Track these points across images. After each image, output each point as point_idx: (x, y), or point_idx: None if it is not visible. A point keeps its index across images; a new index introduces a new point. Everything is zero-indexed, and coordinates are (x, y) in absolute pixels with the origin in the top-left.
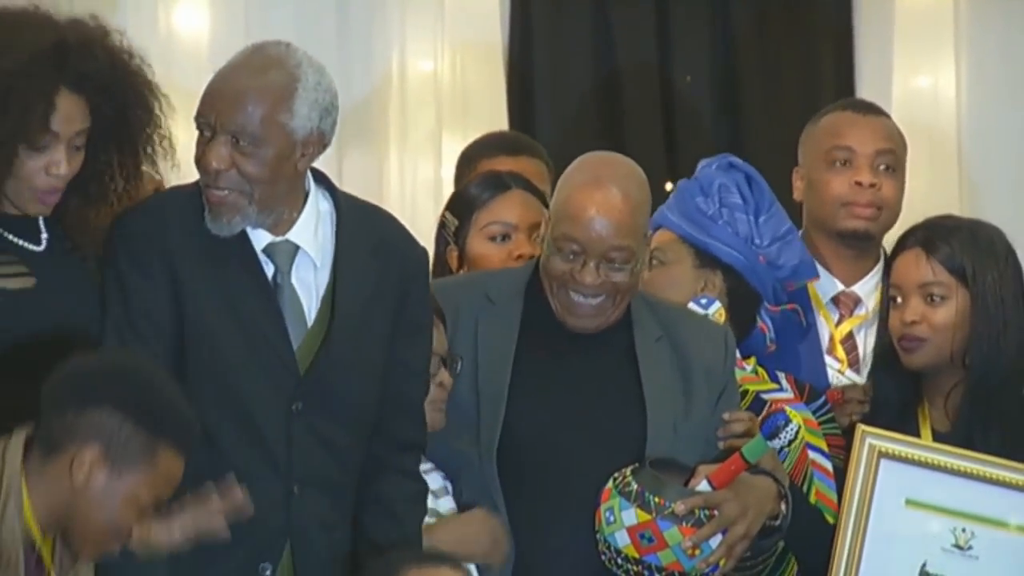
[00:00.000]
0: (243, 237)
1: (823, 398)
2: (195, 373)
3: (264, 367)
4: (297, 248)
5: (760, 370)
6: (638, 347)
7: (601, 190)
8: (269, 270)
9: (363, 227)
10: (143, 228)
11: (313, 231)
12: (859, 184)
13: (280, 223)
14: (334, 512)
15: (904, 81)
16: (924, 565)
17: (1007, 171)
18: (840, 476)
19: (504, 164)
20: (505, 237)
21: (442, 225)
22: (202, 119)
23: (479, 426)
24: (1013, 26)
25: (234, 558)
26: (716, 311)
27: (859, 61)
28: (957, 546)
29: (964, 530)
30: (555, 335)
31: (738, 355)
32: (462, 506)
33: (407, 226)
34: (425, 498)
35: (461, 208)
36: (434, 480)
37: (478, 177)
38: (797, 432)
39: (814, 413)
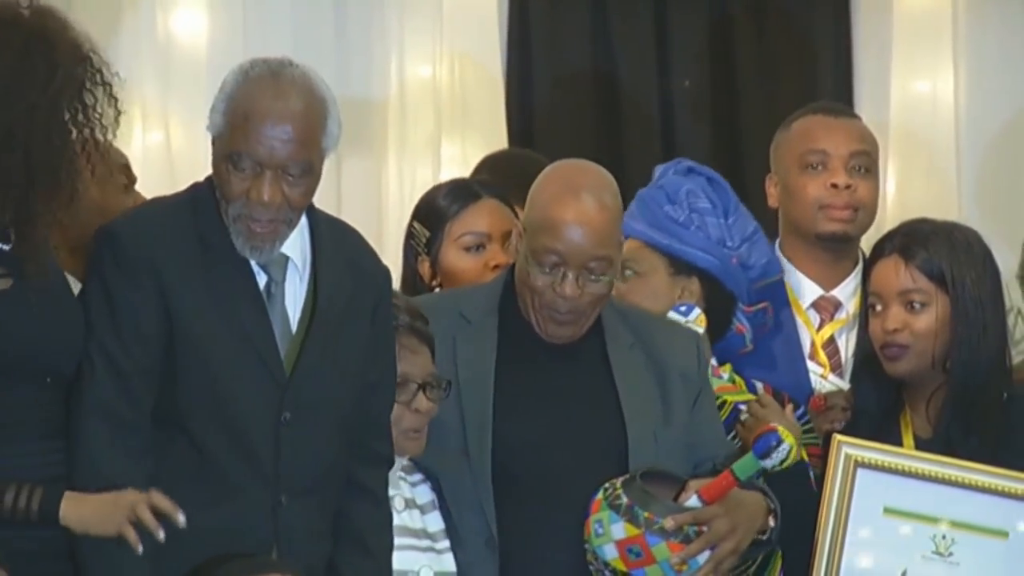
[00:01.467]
0: (234, 249)
1: (802, 408)
2: (184, 383)
3: (254, 377)
4: (287, 259)
5: (737, 379)
6: (611, 355)
7: (578, 200)
8: (261, 280)
9: (335, 240)
10: (130, 239)
11: (299, 242)
12: (835, 186)
13: None
14: (319, 520)
15: (903, 86)
16: (905, 573)
17: (1005, 175)
18: (820, 485)
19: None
20: (479, 247)
21: (411, 235)
22: (246, 158)
23: (467, 446)
24: (1011, 30)
25: None
26: (697, 317)
27: (857, 66)
28: (938, 553)
29: (944, 537)
30: (531, 348)
31: (714, 362)
32: (449, 524)
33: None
34: (391, 524)
35: (431, 218)
36: (423, 494)
37: (447, 186)
38: (789, 452)
39: None
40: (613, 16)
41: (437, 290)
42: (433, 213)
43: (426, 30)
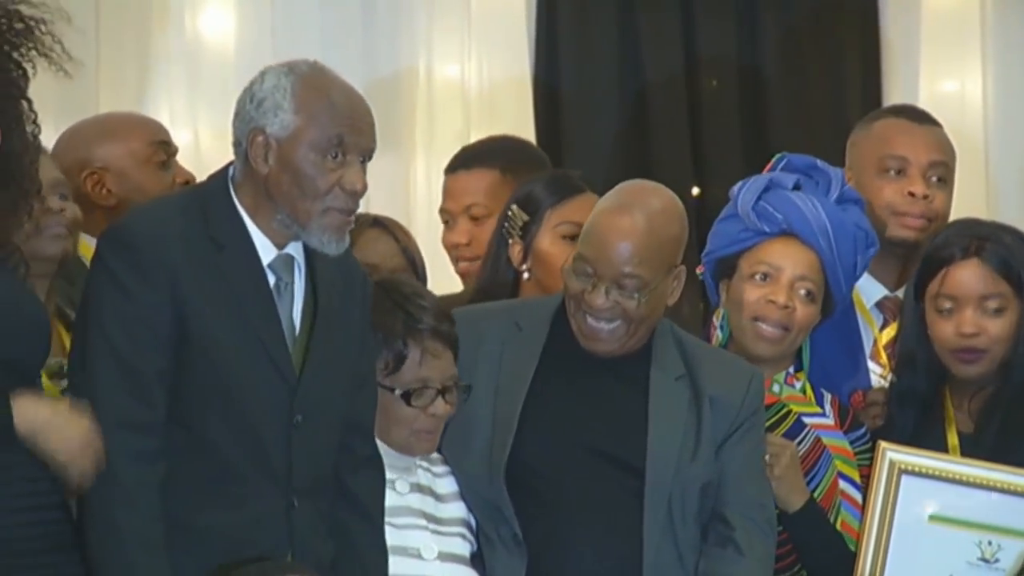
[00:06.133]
0: (250, 248)
1: (864, 428)
2: (197, 386)
3: (266, 380)
4: (293, 258)
5: (808, 390)
6: (652, 384)
7: (626, 216)
8: (271, 281)
9: None
10: (146, 242)
11: (298, 241)
12: (912, 195)
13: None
14: (322, 520)
15: (931, 86)
16: None
17: None
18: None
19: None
20: (575, 238)
21: (507, 218)
22: (346, 143)
23: (491, 447)
24: None
25: None
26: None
27: (886, 65)
28: (984, 559)
29: (990, 543)
30: (575, 362)
31: (791, 370)
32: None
33: (435, 230)
34: (383, 540)
35: (531, 204)
36: (446, 484)
37: (550, 176)
38: None
39: (852, 443)
40: (640, 15)
41: (526, 275)
42: (534, 199)
43: (454, 29)
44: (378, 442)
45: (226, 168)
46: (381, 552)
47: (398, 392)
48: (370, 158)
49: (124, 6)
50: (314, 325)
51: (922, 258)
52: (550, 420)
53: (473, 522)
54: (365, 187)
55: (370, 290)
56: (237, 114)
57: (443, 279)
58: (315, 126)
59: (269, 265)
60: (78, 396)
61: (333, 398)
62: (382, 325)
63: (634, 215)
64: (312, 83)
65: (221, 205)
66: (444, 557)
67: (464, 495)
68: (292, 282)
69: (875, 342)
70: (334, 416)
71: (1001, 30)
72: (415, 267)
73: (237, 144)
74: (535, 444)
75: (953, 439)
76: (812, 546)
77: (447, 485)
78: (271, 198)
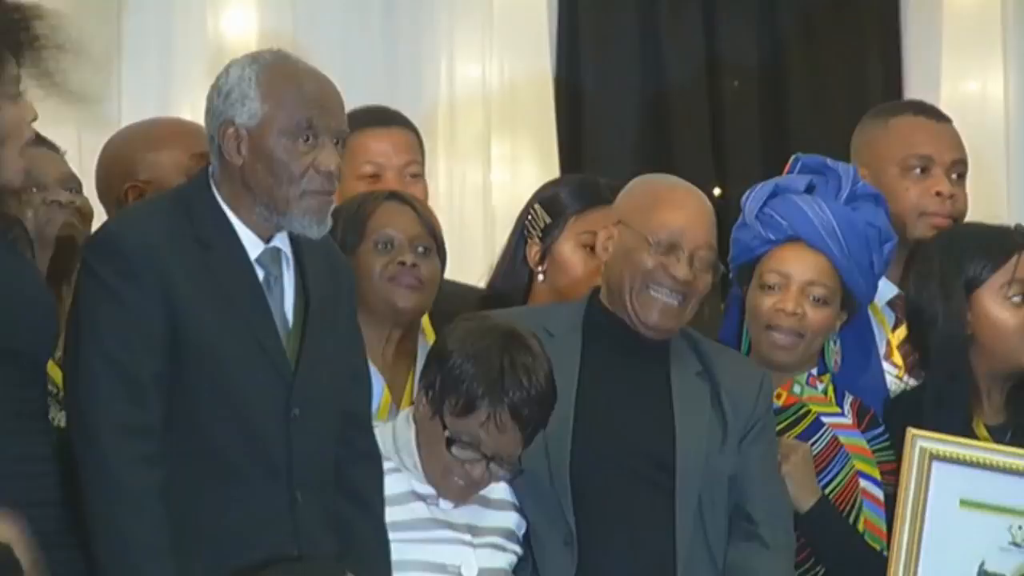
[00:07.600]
0: (236, 244)
1: (882, 427)
2: (195, 386)
3: (262, 376)
4: (280, 251)
5: (831, 391)
6: (674, 381)
7: (692, 195)
8: (260, 275)
9: None
10: (134, 248)
11: (283, 233)
12: (939, 194)
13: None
14: (325, 514)
15: (952, 84)
16: (983, 564)
17: None
18: (891, 503)
19: (377, 136)
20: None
21: (527, 217)
22: (316, 125)
23: (547, 448)
24: None
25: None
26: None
27: (907, 65)
28: (1015, 544)
29: (1021, 527)
30: (607, 365)
31: (814, 372)
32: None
33: (456, 231)
34: (385, 534)
35: (555, 207)
36: (502, 490)
37: (579, 182)
38: None
39: (870, 441)
40: (662, 16)
41: (540, 277)
42: (558, 202)
43: (476, 29)
44: (416, 461)
45: (205, 167)
46: (383, 544)
47: (446, 433)
48: (343, 140)
49: (146, 5)
50: (306, 318)
51: (979, 251)
52: (593, 423)
53: (521, 530)
54: (339, 167)
55: (354, 281)
56: (207, 110)
57: (455, 275)
58: (283, 111)
59: (257, 260)
60: (74, 404)
61: (329, 390)
62: (480, 363)
63: (697, 194)
64: (276, 70)
65: (203, 203)
66: (485, 573)
67: (518, 498)
68: (281, 276)
69: (888, 342)
70: (331, 408)
71: (1022, 29)
72: (435, 237)
73: (210, 140)
74: (583, 445)
75: (982, 431)
76: (826, 545)
77: (501, 491)
78: (248, 189)
